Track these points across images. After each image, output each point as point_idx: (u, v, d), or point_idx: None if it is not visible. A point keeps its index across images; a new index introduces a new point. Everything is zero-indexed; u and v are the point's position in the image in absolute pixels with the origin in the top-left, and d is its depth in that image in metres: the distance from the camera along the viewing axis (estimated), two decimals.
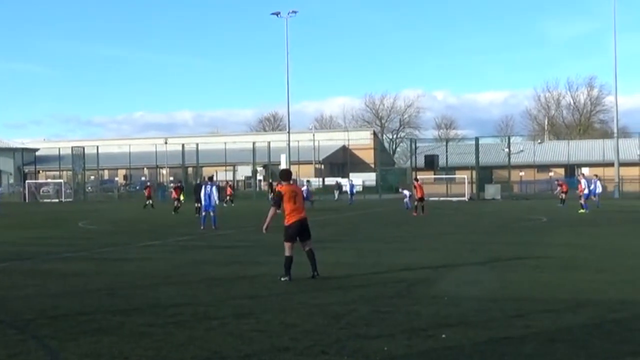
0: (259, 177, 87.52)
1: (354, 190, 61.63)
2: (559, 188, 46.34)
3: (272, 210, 13.81)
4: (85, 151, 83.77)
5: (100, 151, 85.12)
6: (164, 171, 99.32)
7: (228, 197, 56.83)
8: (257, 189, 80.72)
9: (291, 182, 14.26)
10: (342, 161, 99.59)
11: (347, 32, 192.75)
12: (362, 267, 15.47)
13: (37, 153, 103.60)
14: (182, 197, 43.18)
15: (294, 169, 79.74)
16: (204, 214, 28.61)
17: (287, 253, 13.44)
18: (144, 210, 47.26)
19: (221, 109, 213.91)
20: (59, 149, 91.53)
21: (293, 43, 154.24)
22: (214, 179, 40.64)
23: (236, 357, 7.68)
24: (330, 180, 78.18)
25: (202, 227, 27.62)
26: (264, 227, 14.12)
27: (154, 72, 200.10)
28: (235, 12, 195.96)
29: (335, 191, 68.43)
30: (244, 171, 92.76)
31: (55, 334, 8.82)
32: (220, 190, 41.96)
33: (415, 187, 40.64)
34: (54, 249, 20.66)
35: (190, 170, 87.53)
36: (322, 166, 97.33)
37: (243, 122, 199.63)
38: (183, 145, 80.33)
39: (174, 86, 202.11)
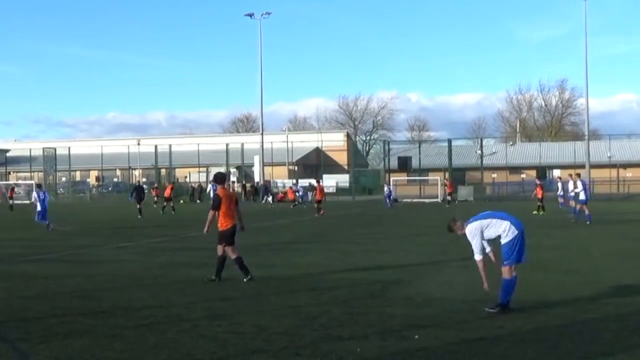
0: (232, 178, 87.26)
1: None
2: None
3: (211, 214, 13.81)
4: (57, 152, 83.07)
5: (72, 152, 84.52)
6: (136, 172, 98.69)
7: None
8: (230, 190, 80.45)
9: (225, 185, 14.35)
10: (315, 163, 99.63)
11: (321, 34, 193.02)
12: (335, 269, 15.49)
13: (8, 154, 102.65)
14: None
15: (267, 170, 79.71)
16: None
17: (234, 255, 13.62)
18: (114, 212, 46.94)
19: (194, 110, 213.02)
20: (30, 149, 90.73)
21: (267, 44, 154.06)
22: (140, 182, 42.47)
23: (209, 359, 7.66)
24: (303, 182, 77.96)
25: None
26: (205, 229, 14.14)
27: (127, 72, 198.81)
28: (209, 13, 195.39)
29: (308, 192, 68.41)
30: None
31: (25, 337, 8.75)
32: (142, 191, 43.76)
33: (316, 188, 42.16)
34: (24, 250, 20.48)
35: (163, 171, 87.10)
36: (296, 167, 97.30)
37: (216, 124, 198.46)
38: (156, 146, 79.89)
39: (147, 87, 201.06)
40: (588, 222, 28.42)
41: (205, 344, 8.26)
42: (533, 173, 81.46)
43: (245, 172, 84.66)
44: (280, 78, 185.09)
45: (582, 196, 30.19)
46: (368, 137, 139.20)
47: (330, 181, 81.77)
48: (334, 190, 77.18)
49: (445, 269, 15.09)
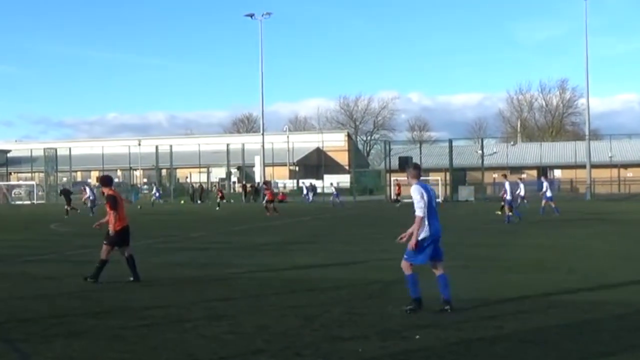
0: (233, 178, 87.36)
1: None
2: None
3: (113, 214, 13.81)
4: (58, 153, 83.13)
5: (73, 153, 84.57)
6: (137, 173, 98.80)
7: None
8: (232, 190, 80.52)
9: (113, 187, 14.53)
10: (316, 163, 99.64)
11: (321, 34, 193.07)
12: (335, 269, 15.49)
13: (9, 154, 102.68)
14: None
15: (268, 170, 79.72)
16: None
17: (104, 257, 13.74)
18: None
19: (195, 111, 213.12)
20: (31, 150, 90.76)
21: (267, 45, 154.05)
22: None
23: (210, 359, 7.67)
24: (305, 182, 78.13)
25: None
26: (96, 225, 14.77)
27: (127, 73, 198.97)
28: (209, 13, 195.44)
29: (309, 193, 68.46)
30: (218, 173, 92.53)
31: (26, 338, 8.76)
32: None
33: (266, 190, 44.47)
34: (25, 251, 20.49)
35: (164, 171, 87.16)
36: (297, 168, 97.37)
37: (217, 124, 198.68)
38: (157, 146, 79.94)
39: (147, 87, 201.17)
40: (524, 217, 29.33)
41: (205, 344, 8.27)
42: (534, 173, 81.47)
43: (246, 172, 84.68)
44: (281, 78, 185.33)
45: (508, 196, 30.38)
46: (369, 138, 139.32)
47: (331, 181, 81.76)
48: (334, 191, 77.12)
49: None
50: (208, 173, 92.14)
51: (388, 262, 16.48)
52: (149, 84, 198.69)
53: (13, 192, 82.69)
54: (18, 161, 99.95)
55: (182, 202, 65.82)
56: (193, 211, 47.57)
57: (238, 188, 73.93)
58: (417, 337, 8.49)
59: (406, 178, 10.90)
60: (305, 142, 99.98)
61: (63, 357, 7.79)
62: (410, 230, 10.25)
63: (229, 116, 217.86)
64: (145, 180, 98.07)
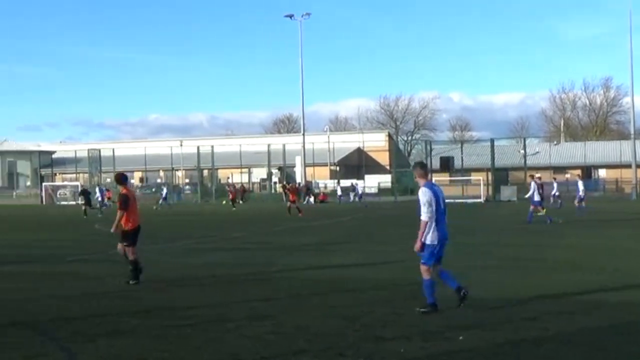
0: (274, 179, 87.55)
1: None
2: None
3: (120, 213, 13.84)
4: (101, 153, 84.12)
5: (116, 153, 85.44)
6: (179, 173, 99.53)
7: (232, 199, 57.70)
8: (272, 191, 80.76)
9: (128, 185, 14.56)
10: (357, 163, 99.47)
11: (361, 34, 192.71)
12: (376, 269, 15.45)
13: (54, 155, 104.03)
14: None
15: (309, 171, 79.77)
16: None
17: (132, 257, 13.71)
18: (158, 212, 47.35)
19: (236, 111, 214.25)
20: (75, 151, 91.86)
21: (307, 45, 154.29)
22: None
23: (252, 359, 7.69)
24: (345, 182, 78.00)
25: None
26: (113, 229, 14.38)
27: (169, 74, 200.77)
28: (249, 14, 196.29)
29: (350, 193, 68.37)
30: (259, 173, 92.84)
31: (72, 336, 8.87)
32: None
33: (289, 190, 44.69)
34: (70, 251, 20.75)
35: (205, 172, 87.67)
36: (338, 168, 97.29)
37: (258, 124, 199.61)
38: (198, 147, 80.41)
39: (188, 88, 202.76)
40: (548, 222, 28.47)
41: (248, 344, 8.29)
42: (578, 173, 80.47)
43: (286, 172, 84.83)
44: (322, 78, 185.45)
45: (536, 197, 29.94)
46: (410, 138, 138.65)
47: (372, 181, 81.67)
48: (376, 191, 77.06)
49: (486, 270, 14.96)
50: (249, 173, 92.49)
51: None
52: (190, 85, 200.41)
53: (58, 193, 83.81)
54: (63, 162, 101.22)
55: (224, 202, 66.01)
56: (234, 211, 47.70)
57: (278, 188, 73.99)
58: (461, 338, 8.42)
59: (415, 178, 10.74)
60: (345, 142, 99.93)
61: (107, 356, 7.86)
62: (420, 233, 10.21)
63: (270, 116, 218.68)
64: (187, 180, 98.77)
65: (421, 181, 10.33)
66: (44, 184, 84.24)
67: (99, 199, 46.86)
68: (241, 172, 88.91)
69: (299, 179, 79.55)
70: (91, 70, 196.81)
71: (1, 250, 21.31)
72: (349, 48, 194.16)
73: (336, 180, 78.34)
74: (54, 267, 16.79)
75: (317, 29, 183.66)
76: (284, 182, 75.17)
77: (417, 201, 10.16)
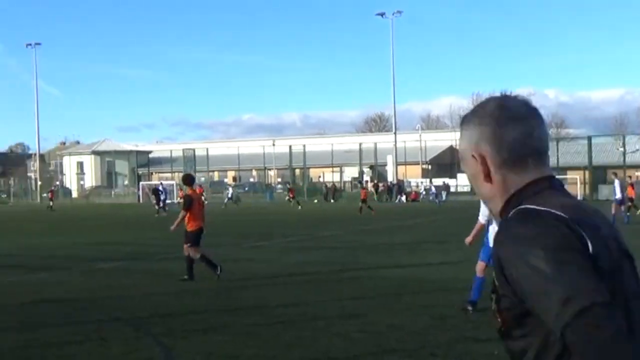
0: (366, 178, 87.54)
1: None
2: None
3: (182, 214, 14.12)
4: (196, 153, 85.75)
5: (210, 153, 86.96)
6: (271, 173, 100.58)
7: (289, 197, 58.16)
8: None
9: (195, 187, 14.84)
10: (449, 162, 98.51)
11: (454, 31, 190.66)
12: (468, 268, 15.24)
13: (150, 155, 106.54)
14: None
15: (400, 169, 79.42)
16: None
17: (197, 255, 13.90)
18: (250, 211, 47.96)
19: (328, 110, 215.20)
20: (171, 151, 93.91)
21: (399, 43, 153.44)
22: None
23: (343, 358, 7.70)
24: (437, 182, 77.35)
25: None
26: (173, 228, 14.79)
27: (262, 75, 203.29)
28: (340, 13, 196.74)
29: (442, 192, 67.78)
30: (350, 172, 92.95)
31: (167, 332, 9.06)
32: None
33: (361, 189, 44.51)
34: (164, 249, 21.18)
35: (297, 171, 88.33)
36: (430, 167, 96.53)
37: (349, 123, 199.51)
38: (290, 146, 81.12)
39: (281, 88, 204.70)
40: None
41: (338, 343, 8.31)
42: None
43: (378, 171, 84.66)
44: (413, 77, 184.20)
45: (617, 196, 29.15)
46: None
47: (464, 180, 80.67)
48: (469, 190, 76.08)
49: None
50: (341, 172, 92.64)
51: None
52: (283, 85, 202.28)
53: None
54: (159, 161, 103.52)
55: (316, 201, 66.49)
56: (326, 210, 47.89)
57: (370, 187, 73.92)
58: None
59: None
60: (438, 141, 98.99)
61: (200, 352, 8.00)
62: (475, 232, 10.76)
63: (361, 115, 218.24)
64: (279, 180, 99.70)
65: None
66: (141, 183, 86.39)
67: (162, 197, 48.11)
68: (332, 171, 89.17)
69: (390, 177, 79.31)
70: (188, 71, 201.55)
71: (100, 248, 21.93)
72: (441, 45, 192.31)
73: (428, 179, 77.79)
74: (151, 265, 17.19)
75: (409, 26, 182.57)
76: (375, 181, 75.08)
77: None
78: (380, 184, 73.41)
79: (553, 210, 1.82)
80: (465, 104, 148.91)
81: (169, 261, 17.94)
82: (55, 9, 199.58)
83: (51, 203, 62.53)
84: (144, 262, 17.92)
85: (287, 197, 61.07)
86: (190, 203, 14.07)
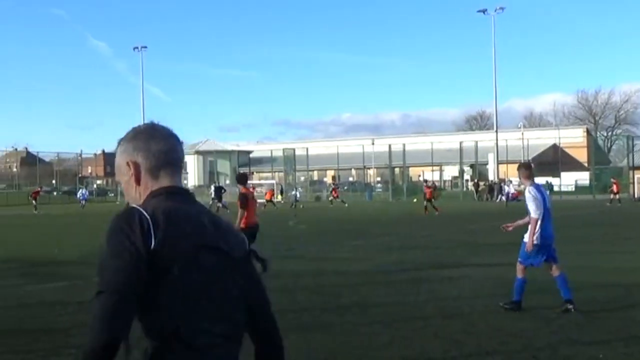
0: (466, 177, 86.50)
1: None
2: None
3: (240, 212, 14.24)
4: (296, 152, 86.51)
5: (309, 152, 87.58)
6: (371, 172, 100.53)
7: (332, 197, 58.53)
8: (464, 189, 79.83)
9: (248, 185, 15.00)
10: (552, 160, 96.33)
11: (557, 27, 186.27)
12: (572, 270, 14.83)
13: (251, 155, 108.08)
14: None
15: (502, 168, 78.14)
16: None
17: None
18: (349, 209, 48.05)
19: (428, 109, 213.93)
20: (271, 151, 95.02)
21: (500, 40, 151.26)
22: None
23: (442, 358, 7.62)
24: (540, 180, 75.88)
25: None
26: (237, 226, 14.64)
27: (361, 73, 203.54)
28: (442, 11, 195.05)
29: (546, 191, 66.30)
30: (450, 171, 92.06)
31: None
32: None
33: (426, 188, 42.93)
34: (263, 247, 21.41)
35: (397, 170, 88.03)
36: (532, 165, 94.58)
37: (449, 122, 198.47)
38: (390, 145, 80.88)
39: (381, 87, 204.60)
40: None
41: (438, 343, 8.23)
42: None
43: (479, 170, 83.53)
44: (515, 74, 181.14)
45: None
46: (610, 133, 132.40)
47: (568, 179, 78.80)
48: (573, 189, 74.24)
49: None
50: (440, 171, 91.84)
51: (632, 264, 15.60)
52: (382, 84, 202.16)
53: (255, 191, 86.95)
54: (259, 161, 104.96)
55: (415, 200, 66.02)
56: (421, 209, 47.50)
57: (470, 186, 73.03)
58: None
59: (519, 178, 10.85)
60: (540, 139, 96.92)
61: (299, 350, 8.04)
62: (520, 222, 10.55)
63: (462, 114, 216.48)
64: (378, 179, 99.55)
65: (526, 182, 10.44)
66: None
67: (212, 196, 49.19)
68: (432, 170, 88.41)
69: (491, 176, 78.22)
70: (288, 71, 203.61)
71: None
72: (544, 41, 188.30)
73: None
74: None
75: (511, 23, 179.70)
76: (476, 180, 74.14)
77: (525, 201, 10.30)
78: (481, 183, 72.44)
79: (143, 210, 2.34)
80: (569, 101, 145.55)
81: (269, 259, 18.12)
82: (159, 12, 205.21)
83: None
84: None
85: (330, 198, 61.31)
86: (245, 201, 14.32)
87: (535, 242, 10.09)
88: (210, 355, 2.37)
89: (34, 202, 55.63)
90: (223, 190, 49.74)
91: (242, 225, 14.31)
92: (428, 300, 11.30)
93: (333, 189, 62.82)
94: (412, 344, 8.21)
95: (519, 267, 10.29)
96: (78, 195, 68.68)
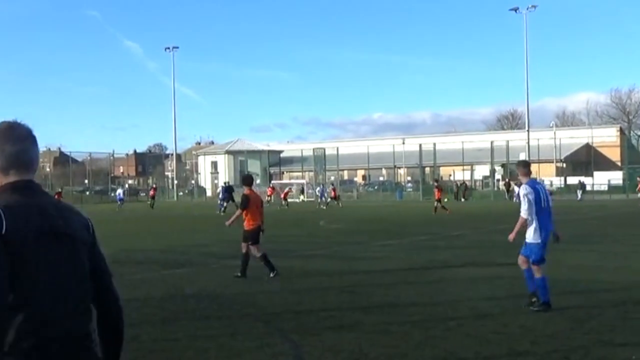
0: (497, 176, 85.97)
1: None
2: None
3: (238, 212, 14.75)
4: (326, 152, 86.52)
5: (340, 152, 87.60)
6: (401, 171, 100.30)
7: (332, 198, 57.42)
8: (495, 188, 79.35)
9: (253, 187, 15.16)
10: (585, 159, 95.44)
11: (590, 24, 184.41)
12: (606, 271, 14.73)
13: (282, 155, 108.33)
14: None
15: (534, 168, 77.34)
16: None
17: (258, 254, 14.25)
18: (379, 210, 47.99)
19: (458, 108, 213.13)
20: (302, 150, 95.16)
21: (532, 38, 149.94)
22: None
23: (474, 358, 7.59)
24: (572, 180, 75.09)
25: None
26: (228, 223, 15.33)
27: (392, 73, 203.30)
28: (472, 10, 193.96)
29: (577, 191, 65.72)
30: (481, 171, 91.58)
31: (297, 329, 9.18)
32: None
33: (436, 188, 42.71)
34: (295, 246, 21.49)
35: (427, 170, 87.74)
36: (564, 165, 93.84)
37: (480, 121, 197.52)
38: (420, 145, 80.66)
39: (412, 86, 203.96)
40: None
41: (470, 343, 8.20)
42: None
43: (510, 170, 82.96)
44: (547, 72, 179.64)
45: None
46: None
47: (601, 178, 77.99)
48: (606, 189, 73.44)
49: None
50: (471, 170, 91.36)
51: None
52: (413, 84, 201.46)
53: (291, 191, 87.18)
54: (290, 161, 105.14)
55: (446, 200, 65.85)
56: (456, 209, 47.27)
57: (501, 186, 72.57)
58: None
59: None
60: (573, 138, 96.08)
61: (331, 349, 8.06)
62: (518, 227, 10.64)
63: (493, 113, 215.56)
64: (409, 178, 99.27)
65: (524, 179, 10.64)
66: (272, 182, 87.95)
67: (220, 196, 49.10)
68: (463, 170, 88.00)
69: None
70: (319, 71, 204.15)
71: (231, 245, 22.43)
72: (576, 39, 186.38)
73: (562, 178, 75.70)
74: (282, 262, 17.40)
75: (544, 21, 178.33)
76: (507, 179, 73.64)
77: (517, 198, 10.36)
78: (513, 183, 71.94)
79: None
80: (602, 100, 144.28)
81: (301, 258, 18.19)
82: (190, 13, 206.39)
83: (150, 201, 61.89)
84: (274, 259, 18.18)
85: (327, 199, 58.94)
86: (246, 203, 14.44)
87: (536, 241, 10.29)
88: (59, 329, 2.66)
89: None
90: (233, 190, 49.87)
91: (245, 227, 14.45)
92: (460, 300, 11.26)
93: (332, 189, 60.48)
94: (444, 344, 8.19)
95: (534, 267, 10.34)
96: (115, 195, 68.62)
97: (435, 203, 41.33)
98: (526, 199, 10.22)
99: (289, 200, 59.93)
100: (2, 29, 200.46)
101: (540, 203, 10.30)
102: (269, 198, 56.29)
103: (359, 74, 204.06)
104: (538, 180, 11.14)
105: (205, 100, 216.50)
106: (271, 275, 14.16)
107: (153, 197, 62.79)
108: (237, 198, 49.16)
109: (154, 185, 76.32)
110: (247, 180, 15.42)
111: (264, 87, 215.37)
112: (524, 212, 10.25)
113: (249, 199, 14.54)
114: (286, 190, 59.82)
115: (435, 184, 45.91)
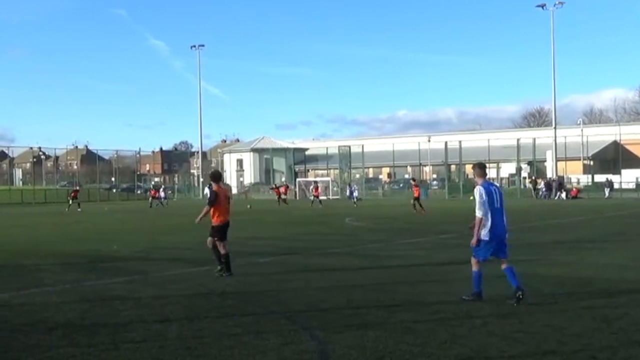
0: (523, 174, 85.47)
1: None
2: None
3: (206, 208, 14.56)
4: (351, 150, 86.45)
5: (365, 150, 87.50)
6: (426, 169, 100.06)
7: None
8: (522, 186, 78.90)
9: (221, 184, 15.09)
10: (613, 157, 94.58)
11: (617, 21, 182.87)
12: (635, 270, 14.58)
13: (307, 152, 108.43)
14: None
15: (560, 165, 76.98)
16: None
17: (223, 251, 14.30)
18: (404, 208, 47.85)
19: (484, 106, 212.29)
20: (327, 148, 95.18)
21: (560, 35, 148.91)
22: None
23: (500, 357, 7.54)
24: (600, 178, 74.48)
25: None
26: (198, 220, 15.07)
27: (417, 70, 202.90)
28: (499, 6, 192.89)
29: (605, 189, 65.16)
30: (507, 168, 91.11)
31: (323, 326, 9.16)
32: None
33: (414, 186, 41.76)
34: (321, 244, 21.48)
35: (453, 167, 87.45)
36: (591, 162, 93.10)
37: (507, 118, 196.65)
38: (446, 142, 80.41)
39: (437, 84, 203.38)
40: None
41: (495, 342, 8.14)
42: None
43: (537, 167, 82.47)
44: (575, 69, 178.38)
45: None
46: None
47: (629, 176, 77.30)
48: (634, 186, 72.81)
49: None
50: (497, 168, 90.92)
51: None
52: (439, 81, 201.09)
53: (310, 188, 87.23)
54: (315, 159, 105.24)
55: (471, 198, 65.68)
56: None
57: (528, 183, 72.03)
58: None
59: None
60: (600, 135, 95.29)
61: (356, 347, 8.04)
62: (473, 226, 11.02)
63: (520, 110, 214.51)
64: (434, 176, 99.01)
65: (479, 180, 11.04)
66: (297, 179, 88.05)
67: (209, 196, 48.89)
68: (489, 167, 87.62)
69: (549, 173, 77.20)
70: (344, 68, 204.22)
71: (256, 242, 22.51)
72: (604, 36, 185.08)
73: (590, 175, 75.07)
74: (307, 260, 17.45)
75: (571, 17, 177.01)
76: (533, 177, 73.17)
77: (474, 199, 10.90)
78: (539, 180, 71.50)
79: None
80: (630, 97, 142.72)
81: (324, 256, 18.17)
82: (217, 11, 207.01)
83: (152, 200, 61.16)
84: (299, 256, 18.22)
85: (312, 197, 58.14)
86: (214, 199, 14.48)
87: (484, 238, 10.75)
88: None
89: (71, 201, 53.36)
90: (164, 190, 49.82)
91: (213, 222, 14.55)
92: (486, 298, 11.18)
93: (315, 187, 59.00)
94: (469, 343, 8.14)
95: (473, 260, 11.09)
96: (146, 193, 68.43)
97: (412, 201, 40.55)
98: (480, 200, 10.70)
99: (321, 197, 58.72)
100: (32, 28, 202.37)
101: (494, 203, 10.77)
102: (314, 198, 55.32)
103: (384, 72, 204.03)
104: (492, 182, 11.53)
105: (230, 98, 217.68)
106: (219, 271, 14.28)
107: (154, 198, 62.17)
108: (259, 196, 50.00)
109: (154, 186, 75.65)
110: (216, 176, 15.44)
111: (289, 84, 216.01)
112: (478, 212, 10.71)
113: (217, 195, 14.58)
114: (316, 187, 58.32)
115: (413, 182, 45.31)
